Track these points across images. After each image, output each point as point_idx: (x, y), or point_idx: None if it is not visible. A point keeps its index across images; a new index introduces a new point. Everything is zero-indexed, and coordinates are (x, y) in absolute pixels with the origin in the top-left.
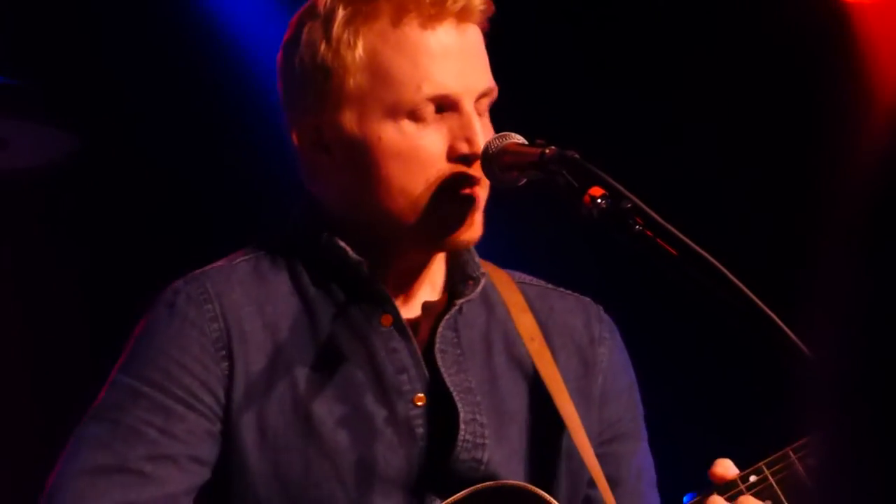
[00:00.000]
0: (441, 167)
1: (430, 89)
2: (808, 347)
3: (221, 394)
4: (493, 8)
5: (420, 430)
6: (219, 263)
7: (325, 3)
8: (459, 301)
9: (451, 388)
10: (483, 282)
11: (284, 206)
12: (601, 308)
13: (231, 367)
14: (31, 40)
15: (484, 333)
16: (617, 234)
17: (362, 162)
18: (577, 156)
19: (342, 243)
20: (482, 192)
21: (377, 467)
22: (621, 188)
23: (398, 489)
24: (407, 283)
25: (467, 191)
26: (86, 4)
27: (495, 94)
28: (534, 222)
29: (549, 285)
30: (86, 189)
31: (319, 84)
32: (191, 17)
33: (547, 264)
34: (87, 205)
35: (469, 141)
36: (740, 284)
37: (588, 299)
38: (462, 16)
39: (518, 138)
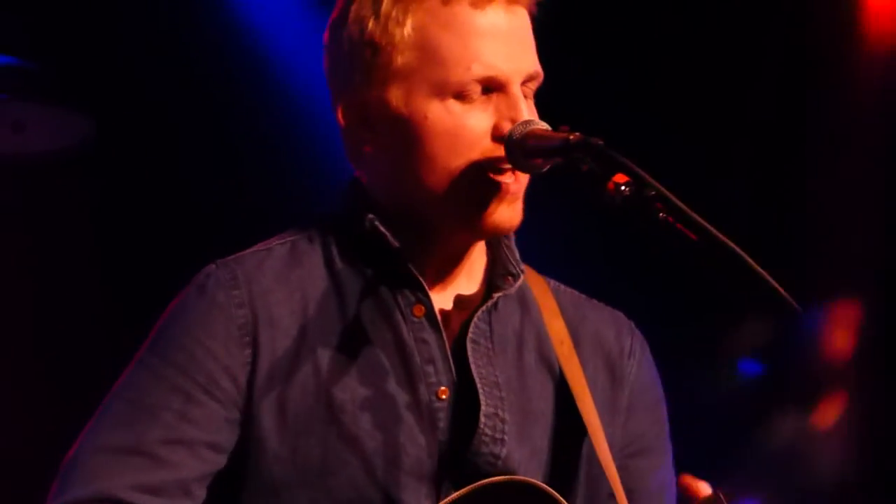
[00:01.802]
0: (485, 147)
1: (479, 70)
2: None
3: (243, 380)
4: None
5: (441, 423)
6: (256, 247)
7: None
8: (497, 294)
9: (477, 381)
10: (522, 278)
11: (321, 190)
12: (633, 323)
13: (255, 354)
14: (48, 24)
15: (517, 332)
16: (640, 221)
17: (407, 140)
18: (601, 143)
19: (383, 228)
20: (522, 177)
21: (395, 456)
22: (645, 175)
23: (415, 479)
24: (444, 274)
25: (507, 174)
26: None
27: (541, 78)
28: (550, 210)
29: (583, 296)
30: (101, 172)
31: (367, 60)
32: (206, 1)
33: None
34: (103, 188)
35: (514, 122)
36: (762, 271)
37: (620, 313)
38: None
39: (542, 125)
